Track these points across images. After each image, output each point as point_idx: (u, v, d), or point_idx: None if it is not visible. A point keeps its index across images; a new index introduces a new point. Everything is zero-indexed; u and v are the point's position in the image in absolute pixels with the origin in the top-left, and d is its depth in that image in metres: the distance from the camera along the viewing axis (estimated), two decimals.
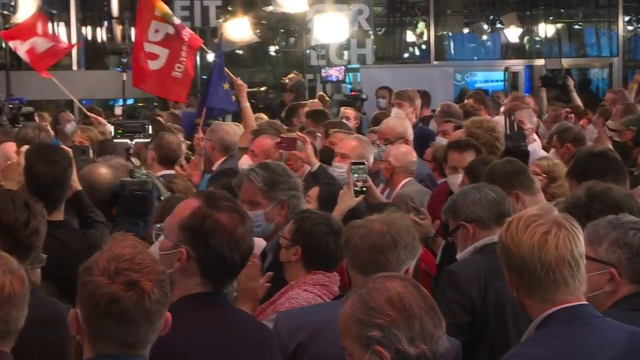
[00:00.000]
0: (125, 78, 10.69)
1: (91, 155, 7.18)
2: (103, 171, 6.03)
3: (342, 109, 12.32)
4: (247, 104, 9.96)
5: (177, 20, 10.75)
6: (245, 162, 7.55)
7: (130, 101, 15.85)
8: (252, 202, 5.41)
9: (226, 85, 10.55)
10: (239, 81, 10.37)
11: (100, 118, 10.73)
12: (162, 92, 11.25)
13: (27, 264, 3.97)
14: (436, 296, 4.57)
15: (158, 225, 3.66)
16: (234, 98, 10.21)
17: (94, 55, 18.20)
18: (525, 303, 3.44)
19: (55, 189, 5.31)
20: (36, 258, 4.29)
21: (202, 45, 10.68)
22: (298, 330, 4.09)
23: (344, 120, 10.91)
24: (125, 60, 10.85)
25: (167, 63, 10.47)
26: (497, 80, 21.27)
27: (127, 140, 7.17)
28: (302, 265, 4.68)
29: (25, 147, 6.18)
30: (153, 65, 10.49)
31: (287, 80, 15.42)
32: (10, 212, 4.03)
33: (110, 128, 9.33)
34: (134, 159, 7.61)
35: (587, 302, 3.44)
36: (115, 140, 7.52)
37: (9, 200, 4.07)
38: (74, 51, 15.92)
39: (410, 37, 22.72)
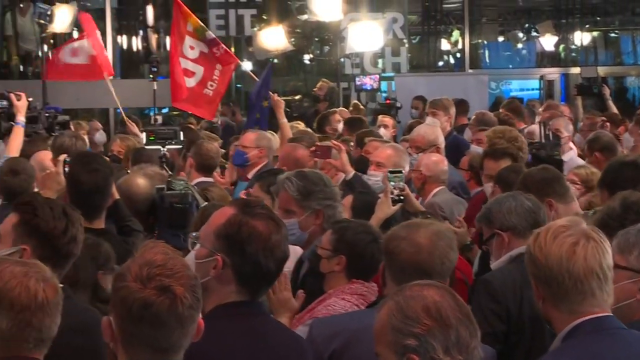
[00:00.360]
0: (155, 87, 10.71)
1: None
2: (140, 181, 6.05)
3: (380, 117, 12.29)
4: (284, 120, 10.02)
5: (210, 35, 10.77)
6: None
7: (165, 110, 15.93)
8: (286, 210, 5.40)
9: (265, 103, 10.59)
10: (276, 97, 10.40)
11: (134, 127, 10.77)
12: (194, 110, 11.32)
13: (63, 272, 4.01)
14: (472, 305, 4.55)
15: (194, 234, 3.66)
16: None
17: (130, 64, 18.30)
18: (551, 314, 3.43)
19: (97, 197, 5.36)
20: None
21: (238, 62, 10.69)
22: (333, 337, 4.07)
23: (382, 129, 10.91)
24: (155, 69, 10.87)
25: (201, 80, 10.50)
26: (532, 90, 21.18)
27: (160, 147, 7.19)
28: (345, 275, 4.67)
29: (63, 156, 6.21)
30: (189, 82, 10.53)
31: (317, 89, 15.41)
32: (49, 220, 4.05)
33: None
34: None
35: (612, 314, 3.43)
36: (147, 147, 7.55)
37: (47, 208, 4.09)
38: (110, 60, 15.97)
39: (444, 45, 22.69)
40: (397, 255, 4.09)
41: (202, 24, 10.94)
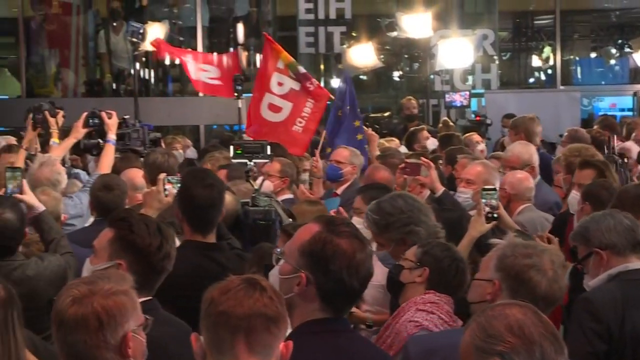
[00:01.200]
0: (240, 105, 10.79)
1: None
2: (226, 196, 6.08)
3: (468, 134, 12.21)
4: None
5: (302, 69, 10.82)
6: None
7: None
8: (377, 244, 5.43)
9: (357, 123, 10.58)
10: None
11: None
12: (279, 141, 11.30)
13: (156, 286, 4.11)
14: (571, 324, 4.49)
15: (279, 250, 3.66)
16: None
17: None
18: None
19: (211, 212, 5.37)
20: None
21: (330, 97, 10.72)
22: (430, 354, 4.02)
23: (478, 145, 10.85)
24: (240, 87, 10.93)
25: (289, 117, 10.51)
26: (625, 107, 20.82)
27: (246, 161, 7.21)
28: (424, 288, 4.66)
29: (163, 175, 6.27)
30: (274, 117, 10.53)
31: (408, 108, 15.34)
32: (144, 237, 4.12)
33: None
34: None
35: None
36: (234, 161, 7.59)
37: (143, 225, 4.16)
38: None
39: (535, 61, 22.47)
40: (527, 282, 4.00)
41: (293, 59, 10.99)
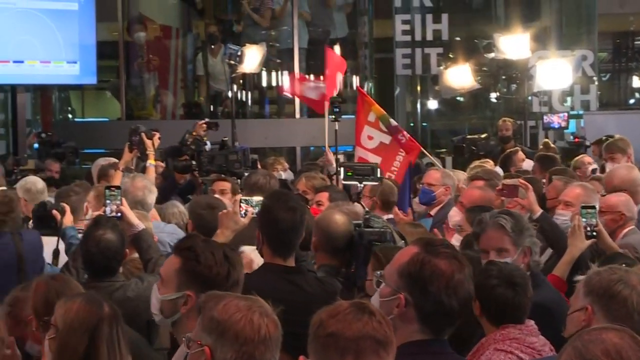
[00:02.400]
0: (337, 127, 10.82)
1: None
2: (339, 218, 6.06)
3: (580, 156, 12.09)
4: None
5: (393, 122, 10.86)
6: (454, 213, 7.54)
7: (349, 148, 16.03)
8: (499, 249, 5.31)
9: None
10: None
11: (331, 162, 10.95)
12: None
13: None
14: None
15: (379, 272, 3.65)
16: None
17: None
18: None
19: (292, 235, 5.31)
20: None
21: (423, 150, 10.73)
22: None
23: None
24: (337, 109, 10.97)
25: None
26: None
27: (357, 183, 7.24)
28: (488, 320, 4.58)
29: (238, 196, 6.30)
30: None
31: (504, 130, 15.21)
32: (211, 266, 4.06)
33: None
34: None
35: None
36: (344, 182, 7.62)
37: (209, 253, 4.09)
38: (296, 99, 16.22)
39: (636, 82, 22.13)
40: (616, 297, 3.93)
41: (384, 112, 11.05)
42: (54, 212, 7.00)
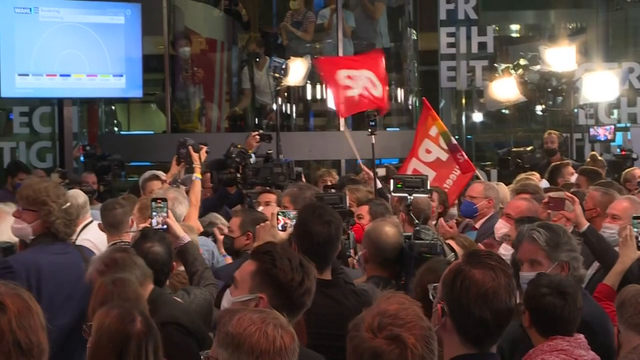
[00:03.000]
0: (374, 141, 10.83)
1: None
2: (389, 229, 6.07)
3: (631, 169, 12.01)
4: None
5: (454, 140, 10.90)
6: (501, 225, 7.50)
7: (394, 160, 16.00)
8: (532, 262, 5.30)
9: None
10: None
11: (368, 177, 10.93)
12: None
13: (294, 322, 4.05)
14: None
15: (434, 285, 3.65)
16: None
17: (362, 116, 18.52)
18: None
19: (328, 248, 5.32)
20: None
21: (477, 173, 10.74)
22: None
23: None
24: (373, 123, 10.97)
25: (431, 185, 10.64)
26: None
27: (406, 195, 7.24)
28: (537, 331, 4.55)
29: (276, 209, 6.30)
30: None
31: (550, 142, 15.11)
32: (287, 272, 4.12)
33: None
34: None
35: None
36: (393, 195, 7.62)
37: (286, 259, 4.16)
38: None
39: None
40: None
41: (446, 129, 11.10)
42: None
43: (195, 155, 9.12)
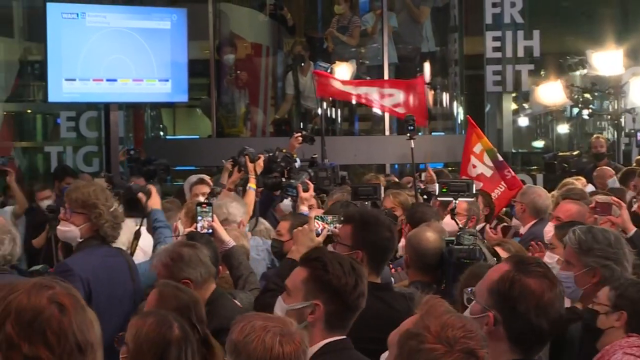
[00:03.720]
0: (413, 145, 10.81)
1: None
2: (430, 235, 6.06)
3: None
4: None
5: (499, 157, 11.00)
6: (550, 229, 7.46)
7: (439, 165, 15.95)
8: (568, 262, 5.30)
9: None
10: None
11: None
12: None
13: (349, 325, 4.12)
14: None
15: (470, 289, 3.62)
16: None
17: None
18: None
19: (390, 253, 5.43)
20: None
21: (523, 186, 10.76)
22: None
23: None
24: (411, 127, 10.96)
25: None
26: None
27: (452, 199, 7.22)
28: (624, 331, 4.52)
29: (314, 213, 6.29)
30: None
31: (598, 147, 15.01)
32: (340, 276, 4.12)
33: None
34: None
35: None
36: (439, 199, 7.60)
37: (337, 264, 4.16)
38: (386, 116, 16.21)
39: None
40: None
41: (492, 146, 11.18)
42: (140, 195, 7.02)
43: (250, 166, 9.07)
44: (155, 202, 7.00)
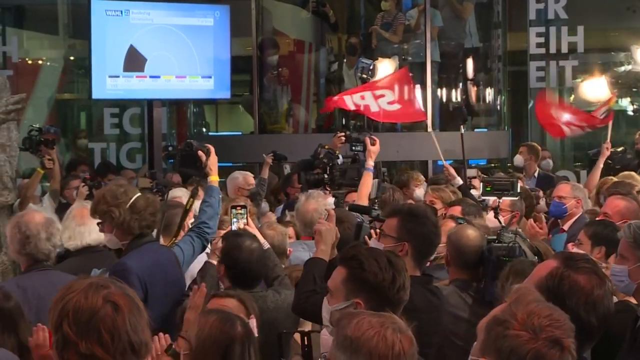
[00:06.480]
0: (463, 131, 10.76)
1: None
2: (471, 232, 6.05)
3: None
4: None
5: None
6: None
7: (482, 161, 15.89)
8: (622, 256, 5.24)
9: None
10: None
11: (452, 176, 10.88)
12: None
13: None
14: None
15: (517, 287, 3.60)
16: None
17: (449, 117, 18.43)
18: None
19: (435, 248, 5.46)
20: None
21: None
22: None
23: None
24: (466, 119, 10.94)
25: None
26: None
27: (495, 198, 7.18)
28: None
29: (332, 211, 6.29)
30: None
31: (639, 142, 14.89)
32: (377, 273, 4.12)
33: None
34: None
35: None
36: (483, 198, 7.57)
37: (373, 260, 4.16)
38: (429, 113, 16.15)
39: None
40: None
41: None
42: (200, 152, 6.96)
43: (373, 149, 9.04)
44: (213, 161, 6.93)
